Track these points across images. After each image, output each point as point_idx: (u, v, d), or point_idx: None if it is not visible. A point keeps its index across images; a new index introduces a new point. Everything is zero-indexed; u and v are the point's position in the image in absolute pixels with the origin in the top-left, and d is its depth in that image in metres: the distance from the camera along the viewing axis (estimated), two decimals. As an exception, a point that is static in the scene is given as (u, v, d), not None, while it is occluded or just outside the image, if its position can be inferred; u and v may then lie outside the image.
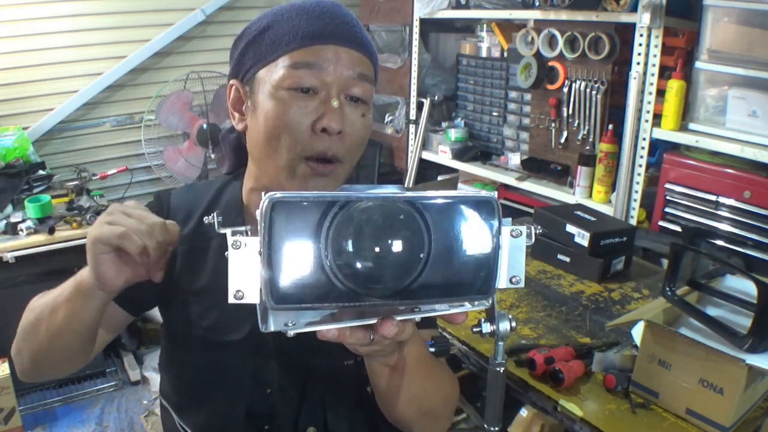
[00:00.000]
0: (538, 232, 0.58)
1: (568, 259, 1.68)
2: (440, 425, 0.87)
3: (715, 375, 1.01)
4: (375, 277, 0.51)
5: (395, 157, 3.22)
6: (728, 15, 1.75)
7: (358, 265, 0.50)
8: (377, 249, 0.51)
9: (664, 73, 1.93)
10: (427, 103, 2.89)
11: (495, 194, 0.55)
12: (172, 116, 2.83)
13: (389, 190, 0.54)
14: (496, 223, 0.54)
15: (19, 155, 2.47)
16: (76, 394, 2.49)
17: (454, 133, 2.80)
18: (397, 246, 0.51)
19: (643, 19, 1.87)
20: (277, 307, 0.51)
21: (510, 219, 0.57)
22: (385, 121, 3.19)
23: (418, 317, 0.59)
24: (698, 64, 1.84)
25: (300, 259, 0.50)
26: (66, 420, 2.37)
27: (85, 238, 0.68)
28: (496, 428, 1.01)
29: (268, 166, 0.79)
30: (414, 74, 2.96)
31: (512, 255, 0.57)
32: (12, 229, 2.21)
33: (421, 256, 0.52)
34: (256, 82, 0.78)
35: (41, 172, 2.50)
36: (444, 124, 2.93)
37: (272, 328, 0.56)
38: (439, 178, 2.90)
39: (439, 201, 0.53)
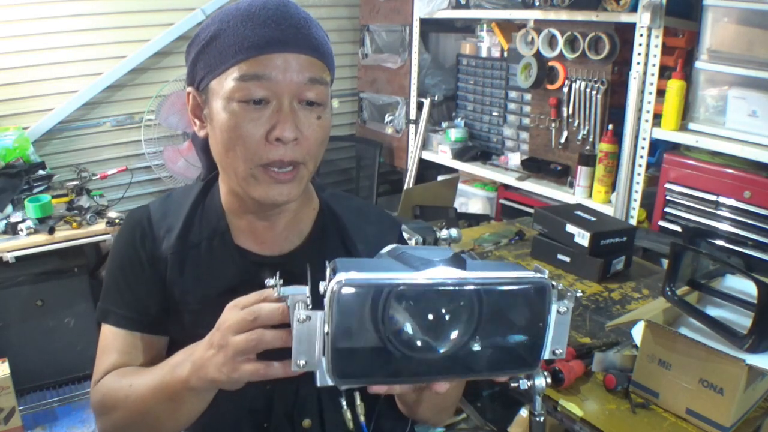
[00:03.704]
0: (578, 295, 0.61)
1: (568, 259, 1.68)
2: (449, 413, 0.94)
3: (715, 375, 1.01)
4: (431, 349, 0.56)
5: (395, 157, 3.22)
6: (728, 15, 1.75)
7: (417, 342, 0.55)
8: (433, 325, 0.55)
9: (664, 73, 1.93)
10: (427, 103, 2.89)
11: (546, 275, 0.58)
12: (172, 116, 2.83)
13: (443, 267, 0.57)
14: (547, 304, 0.57)
15: (19, 155, 2.46)
16: (76, 394, 2.48)
17: (454, 133, 2.80)
18: (451, 324, 0.56)
19: (643, 19, 1.87)
20: (341, 382, 0.56)
21: (556, 293, 0.59)
22: (385, 121, 3.19)
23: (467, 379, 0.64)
24: (698, 64, 1.84)
25: (362, 337, 0.54)
26: (66, 420, 2.36)
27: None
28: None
29: (230, 174, 0.80)
30: (414, 74, 2.96)
31: (557, 330, 0.60)
32: (12, 229, 2.21)
33: (475, 336, 0.56)
34: (210, 92, 0.79)
35: (41, 172, 2.49)
36: (444, 124, 2.93)
37: (327, 383, 0.58)
38: (439, 178, 2.90)
39: (495, 284, 0.56)
